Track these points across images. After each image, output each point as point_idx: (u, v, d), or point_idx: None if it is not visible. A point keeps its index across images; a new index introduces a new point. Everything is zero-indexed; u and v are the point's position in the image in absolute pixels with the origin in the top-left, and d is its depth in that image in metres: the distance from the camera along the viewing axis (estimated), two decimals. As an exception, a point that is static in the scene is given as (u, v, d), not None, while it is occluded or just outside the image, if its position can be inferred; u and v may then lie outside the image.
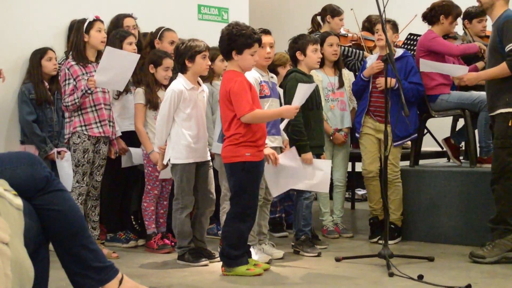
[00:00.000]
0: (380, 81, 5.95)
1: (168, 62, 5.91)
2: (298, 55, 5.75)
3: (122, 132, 6.03)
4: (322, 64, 6.24)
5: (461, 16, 6.55)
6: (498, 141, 5.19)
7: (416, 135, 6.24)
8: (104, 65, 5.36)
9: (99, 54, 5.64)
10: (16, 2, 6.26)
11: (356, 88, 6.33)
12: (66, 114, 5.61)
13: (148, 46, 6.43)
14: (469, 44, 6.35)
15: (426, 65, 5.87)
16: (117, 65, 5.39)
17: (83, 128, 5.52)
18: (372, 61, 6.22)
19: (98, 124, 5.57)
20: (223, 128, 4.90)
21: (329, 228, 6.43)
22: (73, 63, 5.52)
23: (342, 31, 7.46)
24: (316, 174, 5.53)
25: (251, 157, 4.78)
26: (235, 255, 4.82)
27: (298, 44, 5.76)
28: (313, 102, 5.72)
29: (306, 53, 5.73)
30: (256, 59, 4.92)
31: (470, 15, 6.73)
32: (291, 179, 5.22)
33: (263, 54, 5.31)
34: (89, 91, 5.42)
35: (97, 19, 5.57)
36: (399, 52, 6.10)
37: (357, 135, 6.28)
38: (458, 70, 5.69)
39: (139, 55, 5.63)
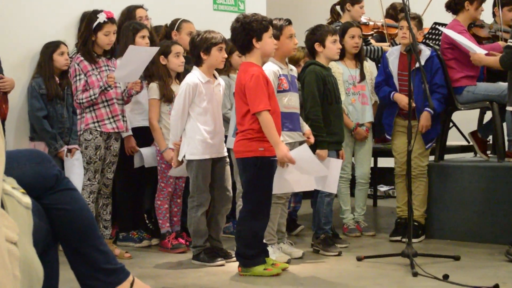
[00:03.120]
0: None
1: (178, 48, 5.87)
2: (317, 46, 5.61)
3: (134, 128, 5.96)
4: (342, 56, 6.13)
5: (492, 3, 6.54)
6: None
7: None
8: (125, 62, 5.35)
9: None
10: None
11: (384, 102, 6.27)
12: (78, 111, 5.56)
13: (163, 39, 6.38)
14: (493, 44, 6.19)
15: (451, 34, 5.87)
16: (137, 60, 5.37)
17: (96, 124, 5.47)
18: (393, 54, 6.12)
19: (111, 120, 5.52)
20: (237, 121, 4.83)
21: (350, 226, 6.32)
22: (82, 58, 5.48)
23: (363, 20, 7.33)
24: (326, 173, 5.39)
25: (265, 152, 4.69)
26: (251, 254, 4.76)
27: (316, 35, 5.62)
28: (332, 96, 5.58)
29: (325, 44, 5.59)
30: (275, 42, 4.83)
31: (501, 3, 6.59)
32: (296, 180, 5.01)
33: (291, 46, 5.25)
34: (108, 88, 5.39)
35: (108, 20, 5.47)
36: (425, 52, 5.96)
37: (388, 136, 6.18)
38: (471, 49, 5.69)
39: (158, 48, 5.63)
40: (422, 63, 5.59)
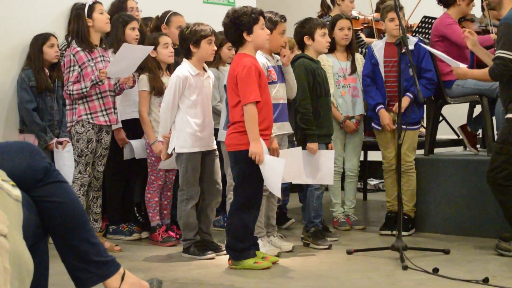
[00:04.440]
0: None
1: (165, 39, 5.86)
2: (306, 39, 5.60)
3: (124, 120, 5.95)
4: (333, 48, 6.13)
5: None
6: (497, 145, 5.08)
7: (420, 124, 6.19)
8: (118, 58, 5.32)
9: (102, 38, 5.58)
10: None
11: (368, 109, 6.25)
12: (68, 102, 5.50)
13: (154, 31, 6.35)
14: (484, 36, 6.15)
15: (432, 49, 5.81)
16: (130, 57, 5.36)
17: (89, 116, 5.43)
18: (378, 47, 6.08)
19: (104, 112, 5.49)
20: (229, 113, 4.80)
21: (340, 220, 6.30)
22: (78, 49, 5.42)
23: (354, 14, 7.30)
24: (320, 166, 5.42)
25: None
26: (241, 247, 4.74)
27: (305, 29, 5.61)
28: (322, 90, 5.57)
29: (315, 38, 5.57)
30: (267, 32, 4.79)
31: None
32: (287, 172, 5.00)
33: (281, 43, 5.22)
34: (100, 83, 5.34)
35: (96, 1, 5.48)
36: (412, 40, 5.94)
37: (378, 127, 6.07)
38: (452, 63, 5.58)
39: (152, 47, 5.61)
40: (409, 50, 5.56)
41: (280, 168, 4.61)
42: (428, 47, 5.84)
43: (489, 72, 5.07)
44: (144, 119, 5.77)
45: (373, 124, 6.15)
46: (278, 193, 4.71)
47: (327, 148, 5.59)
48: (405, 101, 5.69)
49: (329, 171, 5.44)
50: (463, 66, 5.53)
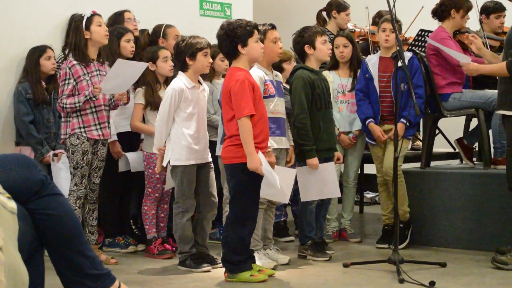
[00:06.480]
0: None
1: (165, 53, 5.86)
2: (307, 49, 5.48)
3: (120, 133, 5.94)
4: (337, 65, 6.19)
5: (478, 10, 6.49)
6: (508, 149, 5.09)
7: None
8: (112, 74, 5.28)
9: (100, 51, 5.55)
10: (12, -3, 6.15)
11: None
12: (62, 114, 5.49)
13: (147, 46, 6.35)
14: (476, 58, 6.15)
15: (440, 45, 5.85)
16: (125, 73, 5.32)
17: (82, 130, 5.39)
18: (372, 59, 6.06)
19: (98, 127, 5.45)
20: (224, 127, 4.80)
21: (327, 233, 6.23)
22: (75, 62, 5.39)
23: (350, 26, 7.30)
24: (324, 180, 5.38)
25: None
26: (237, 260, 4.73)
27: (305, 38, 5.48)
28: (322, 101, 5.47)
29: (315, 46, 5.46)
30: (261, 45, 4.80)
31: (488, 10, 6.65)
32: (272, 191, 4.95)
33: (276, 50, 5.21)
34: (93, 98, 5.31)
35: (94, 14, 5.44)
36: (406, 54, 5.88)
37: (373, 142, 6.04)
38: (463, 58, 5.62)
39: (147, 64, 5.60)
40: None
41: (276, 181, 4.62)
42: (436, 43, 5.84)
43: (507, 65, 5.02)
44: (137, 127, 5.79)
45: (367, 139, 6.14)
46: (285, 199, 4.91)
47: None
48: (401, 129, 5.64)
49: (334, 184, 5.42)
50: (468, 61, 5.56)
